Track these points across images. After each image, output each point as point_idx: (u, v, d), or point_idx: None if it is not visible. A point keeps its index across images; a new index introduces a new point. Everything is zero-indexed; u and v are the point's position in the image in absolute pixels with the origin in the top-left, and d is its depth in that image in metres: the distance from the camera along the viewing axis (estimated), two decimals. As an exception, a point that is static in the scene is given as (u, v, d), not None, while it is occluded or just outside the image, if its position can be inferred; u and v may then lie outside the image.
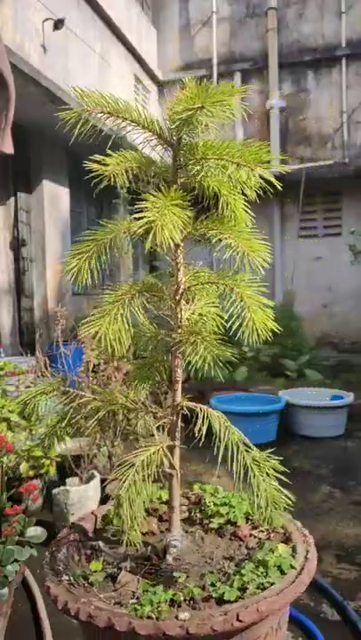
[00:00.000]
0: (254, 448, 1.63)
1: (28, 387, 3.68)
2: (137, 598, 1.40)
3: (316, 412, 4.98)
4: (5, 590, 1.90)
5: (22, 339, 6.51)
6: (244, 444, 1.57)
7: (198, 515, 1.87)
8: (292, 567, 1.47)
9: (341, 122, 8.11)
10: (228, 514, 1.80)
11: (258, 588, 1.37)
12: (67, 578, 1.51)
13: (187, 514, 1.90)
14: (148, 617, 1.28)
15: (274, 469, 1.62)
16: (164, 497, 1.93)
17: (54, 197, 6.74)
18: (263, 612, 1.25)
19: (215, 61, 8.49)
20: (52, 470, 3.23)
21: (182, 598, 1.35)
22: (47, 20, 5.25)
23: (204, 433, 1.59)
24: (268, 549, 1.54)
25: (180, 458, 1.82)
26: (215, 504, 1.87)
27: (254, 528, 1.76)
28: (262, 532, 1.73)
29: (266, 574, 1.43)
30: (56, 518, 3.05)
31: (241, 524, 1.76)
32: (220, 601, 1.34)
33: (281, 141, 8.33)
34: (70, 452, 3.27)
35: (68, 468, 3.22)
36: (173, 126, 1.41)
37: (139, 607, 1.32)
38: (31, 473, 3.10)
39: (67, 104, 5.67)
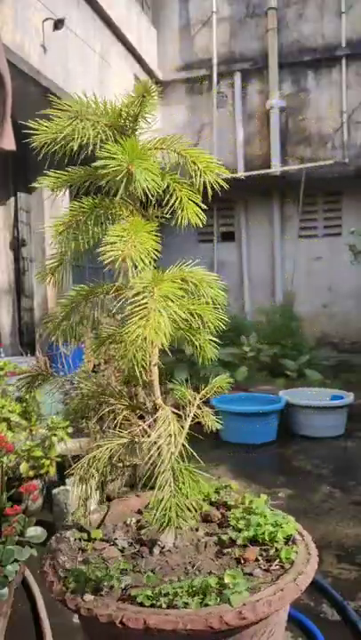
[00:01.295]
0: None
1: (28, 387, 3.67)
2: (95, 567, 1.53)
3: (317, 412, 4.98)
4: (5, 590, 1.90)
5: (22, 339, 6.51)
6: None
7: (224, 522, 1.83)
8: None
9: (341, 122, 8.11)
10: (244, 531, 1.67)
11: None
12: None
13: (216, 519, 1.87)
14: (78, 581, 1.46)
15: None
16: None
17: (54, 197, 6.73)
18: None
19: (215, 61, 8.48)
20: (52, 470, 3.23)
21: (121, 586, 1.42)
22: (47, 19, 5.24)
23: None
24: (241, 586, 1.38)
25: (179, 460, 1.82)
26: (240, 518, 1.77)
27: (265, 556, 1.61)
28: (269, 560, 1.57)
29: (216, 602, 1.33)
30: (56, 518, 3.05)
31: (251, 547, 1.62)
32: (140, 604, 1.35)
33: (281, 141, 8.32)
34: (70, 451, 3.26)
35: (68, 467, 3.22)
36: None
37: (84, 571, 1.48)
38: (31, 473, 3.10)
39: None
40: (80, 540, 1.73)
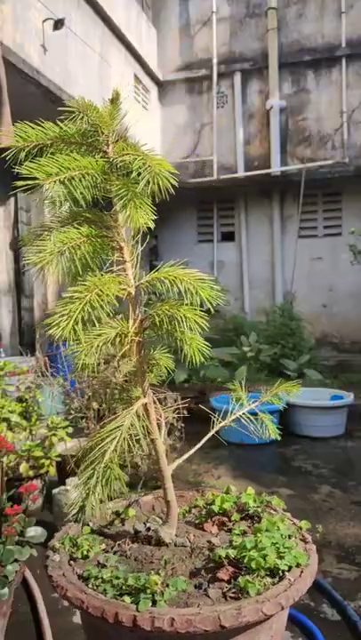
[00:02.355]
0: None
1: (29, 387, 3.68)
2: (87, 551, 1.64)
3: (317, 412, 4.98)
4: (5, 590, 1.90)
5: (22, 339, 6.51)
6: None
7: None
8: None
9: (341, 122, 8.11)
10: (230, 550, 1.56)
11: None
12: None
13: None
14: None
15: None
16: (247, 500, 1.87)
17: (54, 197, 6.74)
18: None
19: (215, 61, 8.48)
20: (52, 470, 3.24)
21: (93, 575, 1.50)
22: (47, 19, 5.24)
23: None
24: None
25: (174, 459, 1.82)
26: (241, 533, 1.68)
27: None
28: (234, 588, 1.45)
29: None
30: (56, 518, 3.05)
31: (228, 568, 1.51)
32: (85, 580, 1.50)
33: (281, 141, 8.33)
34: (70, 451, 3.27)
35: (68, 467, 3.22)
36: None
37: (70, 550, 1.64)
38: (31, 473, 3.10)
39: (67, 104, 5.67)
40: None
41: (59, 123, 1.49)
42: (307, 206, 8.54)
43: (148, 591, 1.37)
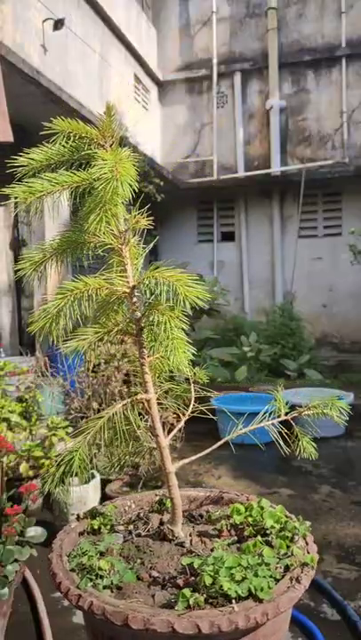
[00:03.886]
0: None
1: (29, 387, 3.68)
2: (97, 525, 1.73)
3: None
4: (5, 590, 1.90)
5: (22, 339, 6.51)
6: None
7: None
8: None
9: (341, 122, 8.11)
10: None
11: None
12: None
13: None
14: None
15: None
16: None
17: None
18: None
19: (215, 61, 8.48)
20: (52, 470, 3.23)
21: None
22: (47, 19, 5.24)
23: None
24: None
25: (181, 457, 1.82)
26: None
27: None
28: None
29: None
30: (56, 518, 3.05)
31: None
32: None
33: (281, 141, 8.33)
34: (70, 451, 3.26)
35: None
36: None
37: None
38: (31, 473, 3.10)
39: (67, 104, 5.67)
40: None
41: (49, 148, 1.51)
42: (307, 206, 8.54)
43: (94, 573, 1.46)
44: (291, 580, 1.40)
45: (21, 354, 5.52)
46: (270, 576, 1.40)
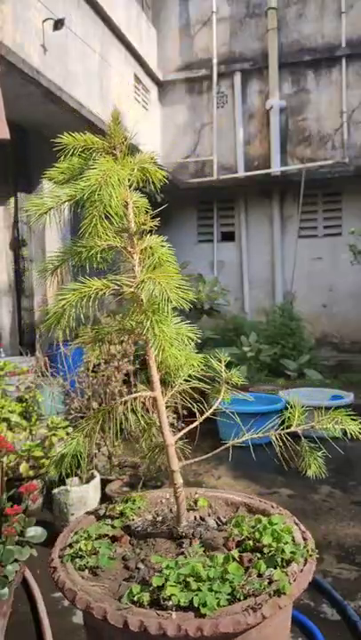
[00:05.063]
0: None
1: (29, 387, 3.68)
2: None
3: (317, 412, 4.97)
4: (5, 590, 1.90)
5: (22, 339, 6.51)
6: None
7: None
8: None
9: (341, 122, 8.11)
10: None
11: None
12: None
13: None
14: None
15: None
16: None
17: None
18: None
19: (215, 61, 8.48)
20: (52, 470, 3.23)
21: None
22: (47, 19, 5.24)
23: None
24: None
25: (181, 458, 1.82)
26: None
27: None
28: None
29: None
30: (56, 518, 3.05)
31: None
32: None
33: (281, 141, 8.32)
34: (70, 451, 3.26)
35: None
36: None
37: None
38: (31, 473, 3.10)
39: (67, 104, 5.67)
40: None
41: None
42: (307, 206, 8.53)
43: (81, 553, 1.62)
44: (248, 606, 1.32)
45: (21, 354, 5.52)
46: (230, 594, 1.35)
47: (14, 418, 3.34)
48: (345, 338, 8.64)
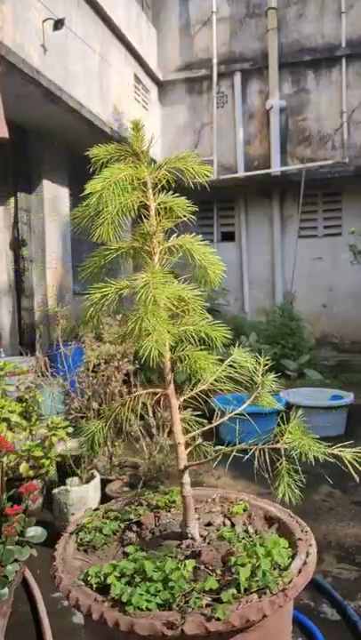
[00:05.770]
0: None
1: (29, 387, 3.68)
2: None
3: (316, 412, 4.98)
4: (5, 590, 1.90)
5: (22, 339, 6.51)
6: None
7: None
8: None
9: (341, 122, 8.11)
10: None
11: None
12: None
13: None
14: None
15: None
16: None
17: (54, 197, 6.74)
18: None
19: (215, 61, 8.47)
20: (52, 470, 3.23)
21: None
22: (47, 19, 5.24)
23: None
24: None
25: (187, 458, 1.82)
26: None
27: None
28: None
29: None
30: (56, 518, 3.05)
31: None
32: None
33: (281, 141, 8.32)
34: (70, 451, 3.27)
35: (68, 467, 3.22)
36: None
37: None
38: (31, 473, 3.10)
39: (67, 104, 5.67)
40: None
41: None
42: (307, 206, 8.53)
43: (86, 529, 1.77)
44: (169, 619, 1.30)
45: (21, 354, 5.52)
46: (165, 600, 1.37)
47: (14, 418, 3.34)
48: (345, 338, 8.64)
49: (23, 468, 3.08)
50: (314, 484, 3.86)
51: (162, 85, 8.88)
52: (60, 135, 6.46)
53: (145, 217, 1.66)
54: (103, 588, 1.46)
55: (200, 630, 1.24)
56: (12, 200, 6.44)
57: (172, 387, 1.70)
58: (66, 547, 1.69)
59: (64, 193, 6.91)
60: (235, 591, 1.36)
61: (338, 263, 8.43)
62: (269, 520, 1.85)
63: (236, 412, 1.79)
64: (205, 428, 1.78)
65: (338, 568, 2.69)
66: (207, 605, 1.33)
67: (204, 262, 1.69)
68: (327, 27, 8.15)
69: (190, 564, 1.49)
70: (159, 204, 1.69)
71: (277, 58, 8.18)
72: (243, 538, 1.72)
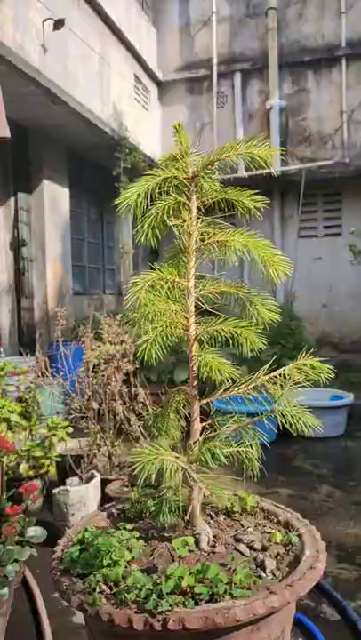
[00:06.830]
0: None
1: (28, 387, 3.68)
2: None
3: (316, 412, 4.98)
4: (5, 590, 1.89)
5: (22, 339, 6.51)
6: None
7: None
8: None
9: (341, 122, 8.11)
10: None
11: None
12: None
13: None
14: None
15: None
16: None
17: (54, 197, 6.75)
18: None
19: (215, 61, 8.48)
20: (52, 470, 3.24)
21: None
22: (47, 20, 5.24)
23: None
24: None
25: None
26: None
27: None
28: None
29: None
30: (56, 518, 3.05)
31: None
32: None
33: (281, 141, 8.33)
34: (70, 451, 3.27)
35: (69, 467, 3.22)
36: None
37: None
38: (31, 473, 3.10)
39: (67, 104, 5.68)
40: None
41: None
42: (307, 206, 8.54)
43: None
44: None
45: (21, 354, 5.52)
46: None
47: (14, 418, 3.34)
48: (345, 338, 8.64)
49: (23, 468, 3.08)
50: (315, 484, 3.86)
51: (162, 85, 8.88)
52: (60, 135, 6.46)
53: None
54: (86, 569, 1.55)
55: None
56: (12, 200, 6.44)
57: (195, 389, 1.75)
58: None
59: (64, 193, 6.92)
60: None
61: (338, 263, 8.44)
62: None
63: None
64: (231, 429, 1.81)
65: (338, 568, 2.69)
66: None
67: (266, 260, 1.70)
68: (327, 27, 8.15)
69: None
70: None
71: (277, 58, 8.19)
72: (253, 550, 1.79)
